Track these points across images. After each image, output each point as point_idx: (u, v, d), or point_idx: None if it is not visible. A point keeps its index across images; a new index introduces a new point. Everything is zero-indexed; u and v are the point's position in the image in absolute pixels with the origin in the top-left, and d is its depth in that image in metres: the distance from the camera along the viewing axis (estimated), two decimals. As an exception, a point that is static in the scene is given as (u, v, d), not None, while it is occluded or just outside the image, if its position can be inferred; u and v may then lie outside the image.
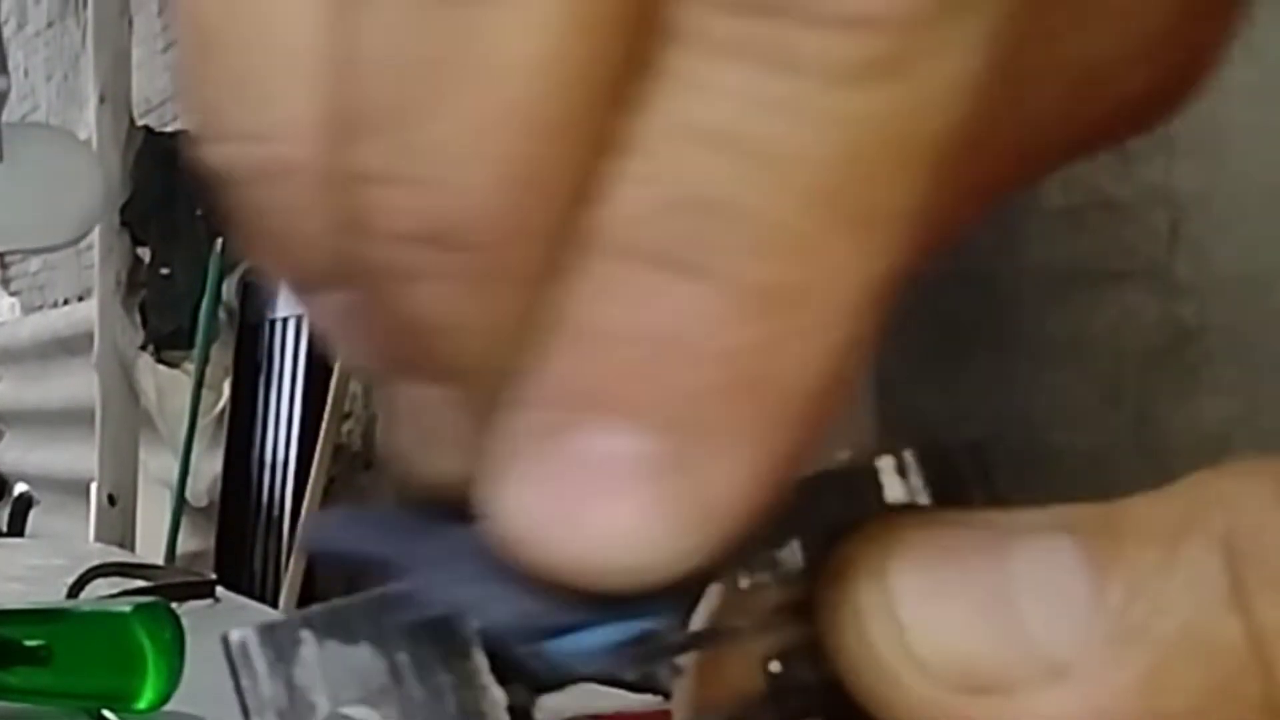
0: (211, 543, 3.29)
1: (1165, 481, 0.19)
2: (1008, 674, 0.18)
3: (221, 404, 3.29)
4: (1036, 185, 0.24)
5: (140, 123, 3.56)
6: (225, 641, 0.19)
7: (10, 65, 2.30)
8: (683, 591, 0.19)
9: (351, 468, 3.13)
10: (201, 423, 3.25)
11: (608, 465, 0.18)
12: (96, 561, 1.25)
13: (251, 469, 3.17)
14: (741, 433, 0.18)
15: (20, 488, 4.52)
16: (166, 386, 3.39)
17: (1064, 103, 0.23)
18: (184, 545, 3.30)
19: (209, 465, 3.30)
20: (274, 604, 2.69)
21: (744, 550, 0.19)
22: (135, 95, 3.53)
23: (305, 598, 2.86)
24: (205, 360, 3.21)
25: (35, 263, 5.16)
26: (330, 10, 0.18)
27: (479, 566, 0.19)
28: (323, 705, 0.19)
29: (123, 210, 3.41)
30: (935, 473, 0.22)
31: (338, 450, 2.97)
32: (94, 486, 3.34)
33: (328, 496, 2.90)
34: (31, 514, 4.37)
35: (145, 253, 3.54)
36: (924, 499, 0.21)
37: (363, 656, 0.19)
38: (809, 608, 0.20)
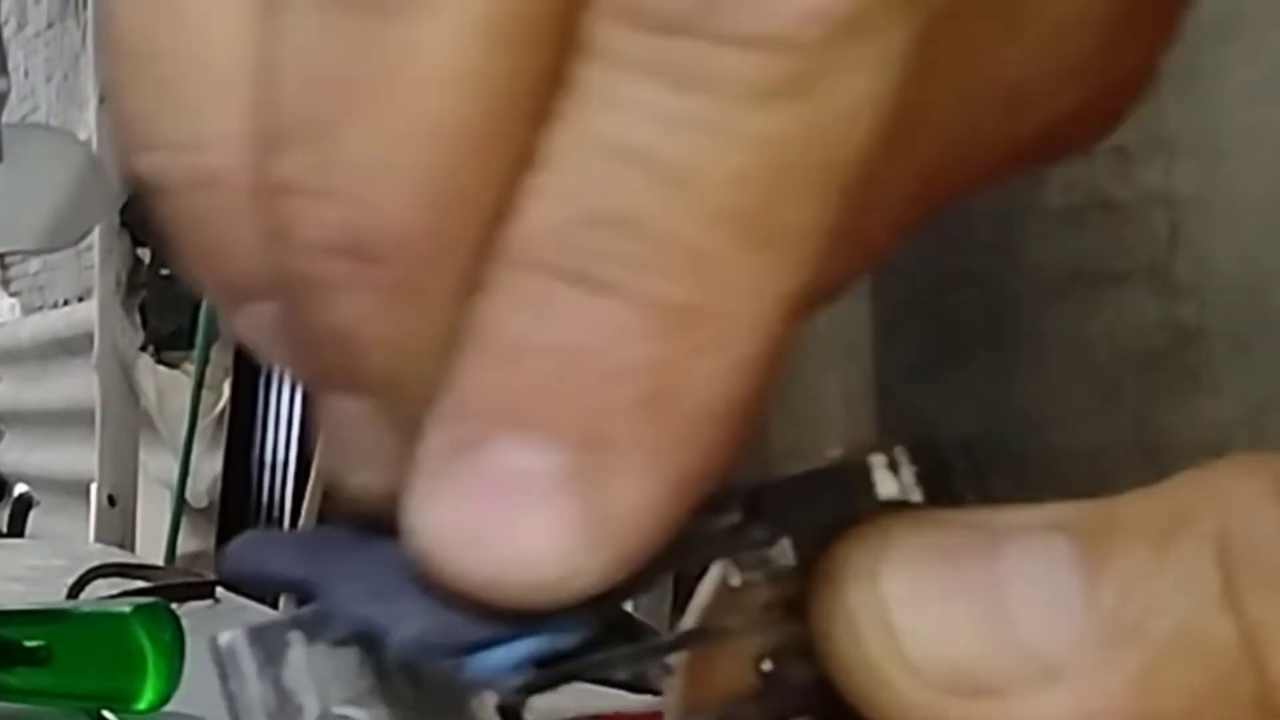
0: (211, 543, 3.28)
1: (1163, 482, 0.19)
2: (999, 676, 0.18)
3: (221, 405, 3.29)
4: (968, 200, 0.24)
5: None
6: (214, 644, 0.19)
7: (10, 66, 2.30)
8: (597, 606, 0.19)
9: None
10: (201, 423, 3.25)
11: (519, 480, 0.18)
12: (96, 562, 1.25)
13: (252, 470, 3.17)
14: (649, 448, 0.18)
15: (20, 488, 4.52)
16: (166, 387, 3.39)
17: (994, 121, 0.23)
18: (184, 546, 3.30)
19: (209, 466, 3.30)
20: (274, 605, 2.69)
21: (657, 566, 0.19)
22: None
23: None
24: (205, 361, 3.21)
25: (35, 263, 5.16)
26: (252, 22, 0.19)
27: (398, 582, 0.19)
28: (311, 706, 0.19)
29: (123, 211, 3.41)
30: (927, 469, 0.22)
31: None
32: (94, 487, 3.34)
33: (328, 498, 2.89)
34: (31, 514, 4.37)
35: (145, 253, 3.54)
36: (916, 496, 0.21)
37: (351, 657, 0.19)
38: (801, 606, 0.20)
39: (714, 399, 0.18)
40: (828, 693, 0.20)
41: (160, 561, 2.75)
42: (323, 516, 2.95)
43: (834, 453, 0.21)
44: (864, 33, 0.18)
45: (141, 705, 0.85)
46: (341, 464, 0.21)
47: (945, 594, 0.19)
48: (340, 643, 0.19)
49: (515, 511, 0.18)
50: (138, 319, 3.50)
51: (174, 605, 0.89)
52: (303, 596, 0.20)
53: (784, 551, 0.21)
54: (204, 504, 3.34)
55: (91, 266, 3.69)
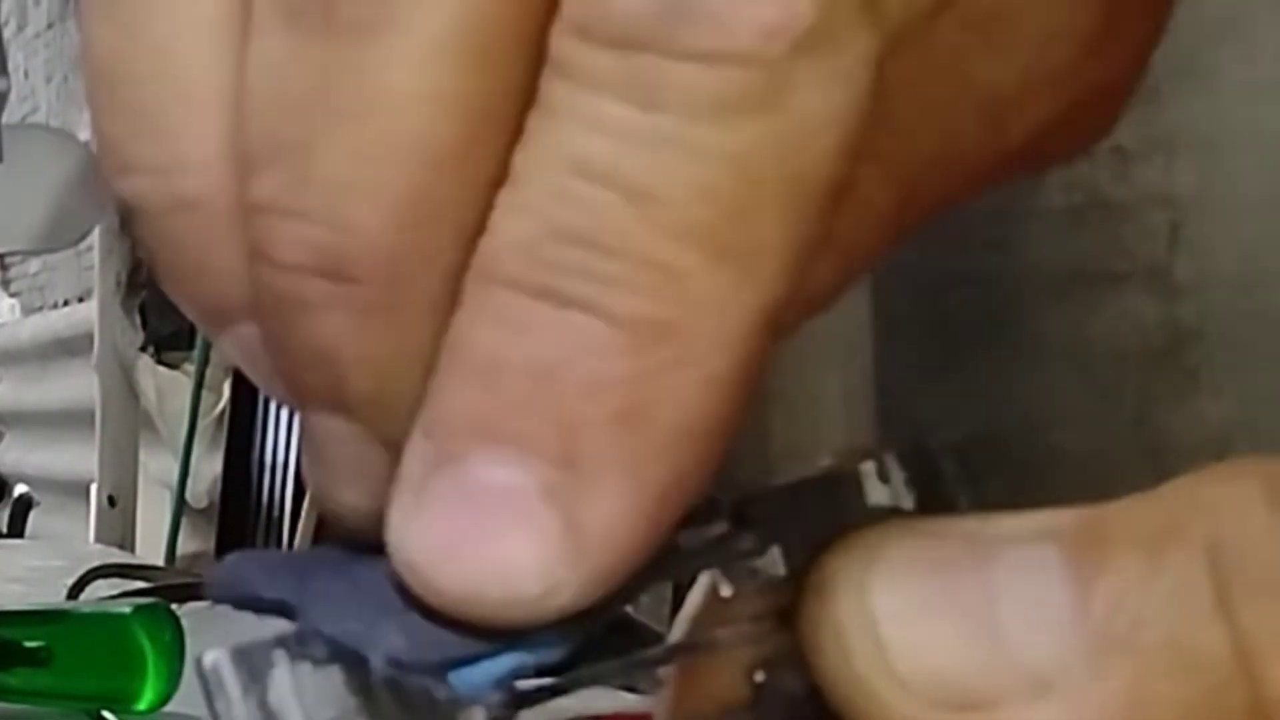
0: (212, 544, 3.28)
1: (1164, 482, 0.19)
2: (990, 689, 0.18)
3: (221, 405, 3.29)
4: (954, 209, 0.24)
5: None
6: (198, 665, 0.19)
7: (10, 67, 2.30)
8: (578, 621, 0.19)
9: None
10: (201, 424, 3.25)
11: (496, 496, 0.18)
12: (96, 563, 1.25)
13: (252, 470, 3.17)
14: (623, 464, 0.18)
15: (20, 489, 4.52)
16: (166, 387, 3.39)
17: (975, 131, 0.23)
18: (184, 546, 3.30)
19: (209, 466, 3.30)
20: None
21: (637, 582, 0.19)
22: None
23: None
24: (205, 361, 3.21)
25: (35, 264, 5.16)
26: (225, 46, 0.19)
27: (382, 600, 0.19)
28: None
29: (123, 211, 3.41)
30: (918, 476, 0.21)
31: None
32: (94, 488, 3.34)
33: (328, 497, 2.89)
34: (31, 515, 4.37)
35: (145, 254, 3.53)
36: (907, 503, 0.21)
37: (336, 676, 0.19)
38: (792, 616, 0.20)
39: (687, 414, 0.18)
40: (820, 703, 0.19)
41: (160, 562, 2.75)
42: (322, 517, 2.94)
43: (824, 461, 0.21)
44: (824, 48, 0.18)
45: (141, 706, 0.85)
46: (327, 483, 0.21)
47: (934, 606, 0.19)
48: (322, 661, 0.19)
49: (493, 527, 0.18)
50: (138, 319, 3.50)
51: (174, 606, 0.89)
52: (286, 617, 0.20)
53: (774, 561, 0.21)
54: (204, 504, 3.34)
55: (91, 267, 3.69)
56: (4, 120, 2.08)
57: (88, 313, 3.68)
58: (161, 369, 3.44)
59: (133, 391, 3.41)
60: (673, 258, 0.18)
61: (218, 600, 0.21)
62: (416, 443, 0.19)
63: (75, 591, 1.16)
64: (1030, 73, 0.23)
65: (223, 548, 3.23)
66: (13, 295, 5.36)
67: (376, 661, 0.19)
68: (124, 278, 3.47)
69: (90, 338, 3.49)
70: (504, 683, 0.19)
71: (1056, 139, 0.24)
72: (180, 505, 3.25)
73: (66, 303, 4.71)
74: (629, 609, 0.20)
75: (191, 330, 3.35)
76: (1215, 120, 0.90)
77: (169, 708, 0.85)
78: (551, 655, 0.19)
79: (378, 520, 0.19)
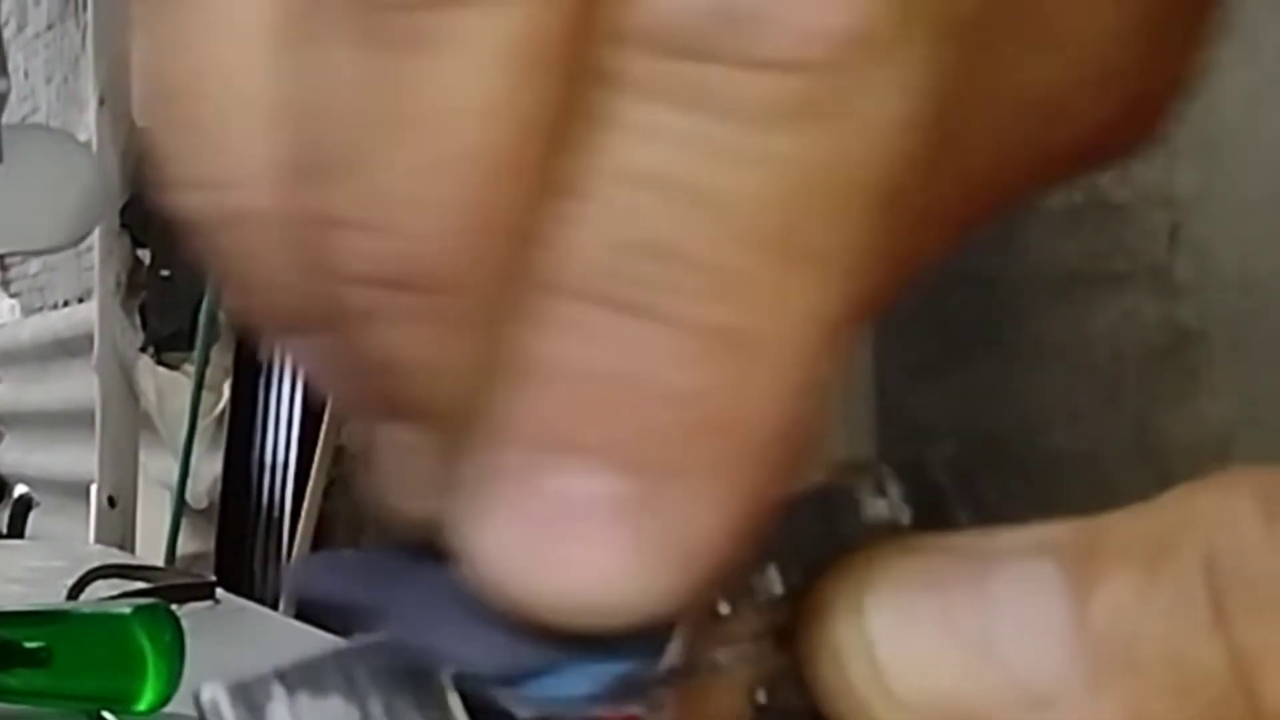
0: (211, 544, 3.28)
1: (1164, 483, 0.19)
2: (988, 708, 0.18)
3: (221, 406, 3.29)
4: (1000, 217, 0.24)
5: (140, 125, 3.55)
6: (196, 699, 0.19)
7: (10, 67, 2.30)
8: (661, 631, 0.19)
9: (351, 470, 3.13)
10: (201, 424, 3.25)
11: (579, 506, 0.18)
12: (96, 563, 1.25)
13: (251, 471, 3.17)
14: (707, 472, 0.18)
15: (20, 489, 4.52)
16: (166, 388, 3.39)
17: (1027, 134, 0.23)
18: (184, 547, 3.30)
19: (209, 467, 3.30)
20: (274, 606, 2.68)
21: (721, 588, 0.19)
22: (135, 97, 3.52)
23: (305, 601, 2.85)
24: (205, 362, 3.21)
25: (35, 264, 5.16)
26: (282, 59, 0.19)
27: (455, 609, 0.19)
28: None
29: (123, 212, 3.41)
30: (915, 490, 0.21)
31: (338, 452, 2.97)
32: (94, 488, 3.34)
33: (328, 498, 2.89)
34: (31, 516, 4.37)
35: (145, 255, 3.54)
36: (905, 518, 0.21)
37: (335, 708, 0.19)
38: (791, 634, 0.20)
39: (766, 420, 0.18)
40: None
41: (160, 563, 2.75)
42: (323, 518, 2.95)
43: (818, 476, 0.21)
44: (886, 51, 0.18)
45: (141, 706, 0.85)
46: (390, 491, 0.21)
47: (930, 625, 0.19)
48: (395, 675, 0.19)
49: (576, 536, 0.18)
50: (138, 320, 3.50)
51: (174, 606, 0.89)
52: (366, 622, 0.20)
53: (772, 580, 0.20)
54: (204, 505, 3.34)
55: (91, 267, 3.69)
56: (4, 121, 2.08)
57: (88, 313, 3.68)
58: (161, 369, 3.44)
59: (133, 392, 3.41)
60: (744, 265, 0.18)
61: (300, 601, 0.21)
62: (491, 452, 0.19)
63: (75, 592, 1.16)
64: (1083, 74, 0.23)
65: (223, 548, 3.23)
66: (13, 296, 5.37)
67: (459, 671, 0.19)
68: (124, 278, 3.47)
69: (90, 338, 3.49)
70: (584, 693, 0.19)
71: (1110, 138, 0.24)
72: (180, 506, 3.25)
73: (66, 303, 4.72)
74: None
75: (191, 331, 3.35)
76: (1215, 122, 0.91)
77: (169, 708, 0.85)
78: (633, 664, 0.19)
79: (442, 528, 0.19)
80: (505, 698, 0.19)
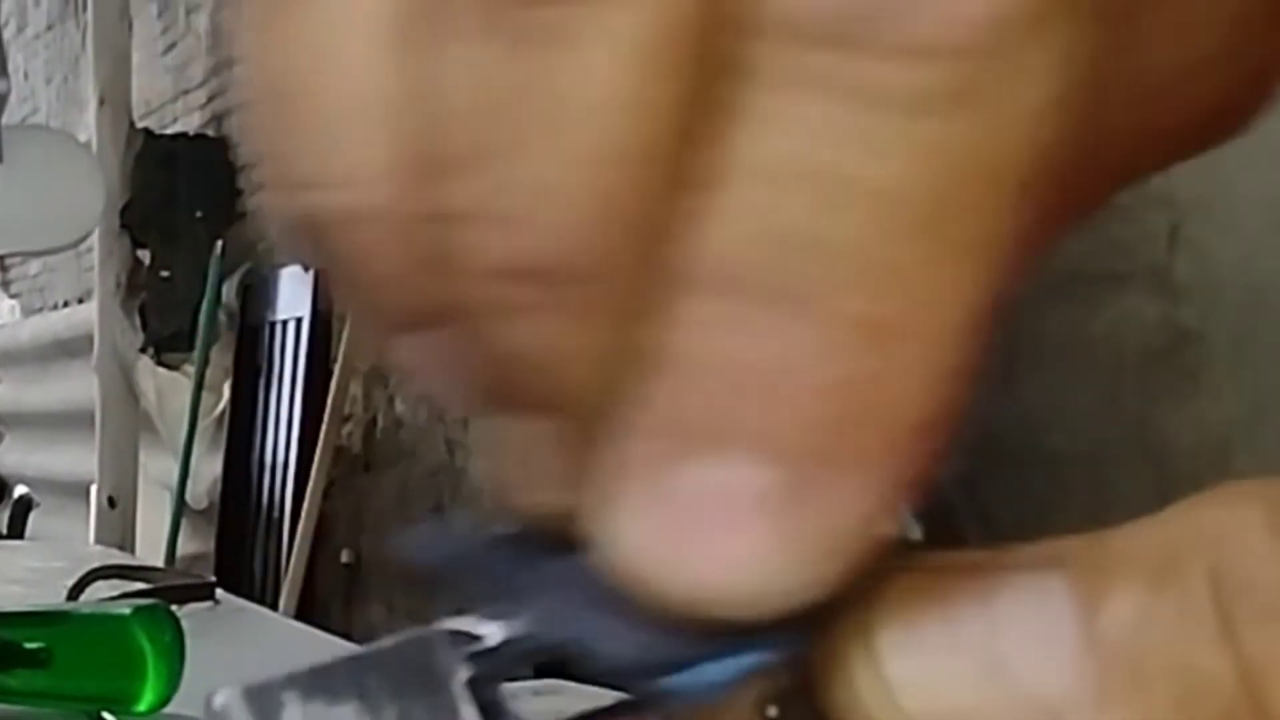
0: (211, 545, 3.29)
1: (1165, 483, 0.19)
2: None
3: (221, 406, 3.29)
4: (1113, 200, 0.24)
5: (140, 125, 3.56)
6: (208, 704, 0.19)
7: (10, 68, 2.30)
8: (801, 622, 0.19)
9: (351, 470, 3.13)
10: (201, 425, 3.25)
11: (721, 497, 0.18)
12: (96, 564, 1.25)
13: (251, 471, 3.17)
14: (853, 462, 0.18)
15: (20, 490, 4.53)
16: (166, 389, 3.40)
17: (1135, 116, 0.23)
18: (184, 547, 3.30)
19: (209, 467, 3.30)
20: (274, 606, 2.69)
21: (865, 578, 0.19)
22: (135, 98, 3.53)
23: (305, 600, 2.86)
24: (205, 362, 3.21)
25: (35, 265, 5.16)
26: (404, 55, 0.19)
27: (587, 600, 0.19)
28: None
29: (122, 213, 3.41)
30: (925, 505, 0.21)
31: (337, 452, 2.97)
32: (94, 489, 3.34)
33: (327, 499, 2.90)
34: (31, 516, 4.37)
35: (145, 255, 3.54)
36: (916, 534, 0.21)
37: (347, 714, 0.19)
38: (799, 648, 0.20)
39: (915, 410, 0.18)
40: None
41: (160, 563, 2.75)
42: (322, 518, 2.95)
43: None
44: (1031, 36, 0.18)
45: (141, 707, 0.85)
46: (517, 483, 0.21)
47: (939, 641, 0.19)
48: (414, 679, 0.19)
49: (723, 527, 0.18)
50: (137, 321, 3.51)
51: (174, 607, 0.89)
52: (492, 599, 0.20)
53: None
54: (204, 505, 3.34)
55: (91, 268, 3.69)
56: (4, 121, 2.08)
57: (88, 314, 3.68)
58: (161, 370, 3.45)
59: (132, 393, 3.41)
60: (890, 255, 0.18)
61: (417, 564, 0.21)
62: (631, 444, 0.19)
63: (75, 592, 1.16)
64: (1203, 52, 0.23)
65: (222, 549, 3.24)
66: (13, 296, 5.37)
67: (605, 663, 0.19)
68: (124, 279, 3.48)
69: (90, 339, 3.49)
70: (729, 685, 0.19)
71: (1224, 116, 0.24)
72: (180, 506, 3.26)
73: (66, 304, 4.72)
74: None
75: (191, 331, 3.35)
76: (1215, 121, 0.90)
77: (169, 709, 0.85)
78: (776, 654, 0.19)
79: (565, 520, 0.19)
80: (641, 690, 0.19)
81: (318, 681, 0.19)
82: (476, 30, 0.18)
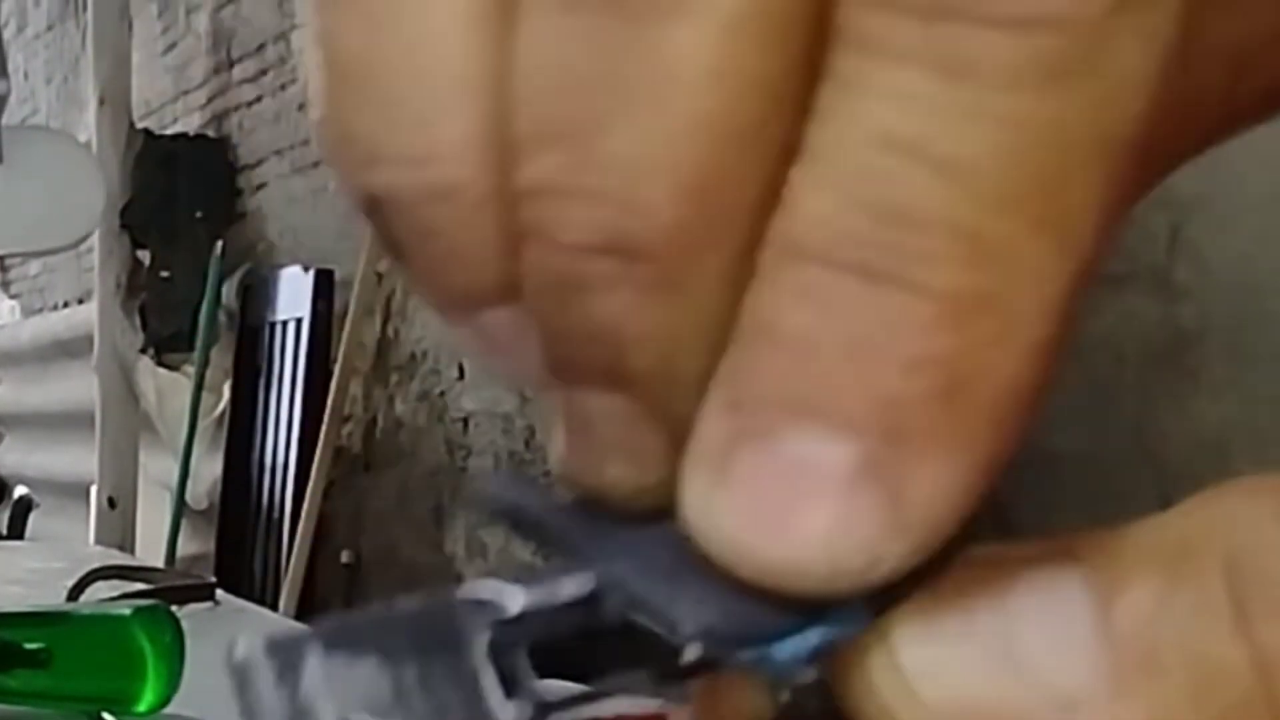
0: (211, 545, 3.29)
1: (1165, 483, 0.19)
2: (1013, 713, 0.18)
3: (221, 407, 3.29)
4: (1188, 162, 0.24)
5: (140, 125, 3.56)
6: (230, 656, 0.19)
7: (10, 68, 2.30)
8: (885, 595, 0.19)
9: (351, 470, 3.13)
10: (201, 425, 3.25)
11: (814, 469, 0.18)
12: (96, 564, 1.25)
13: (251, 472, 3.17)
14: (944, 438, 0.18)
15: (20, 490, 4.53)
16: (166, 389, 3.40)
17: (1219, 83, 0.23)
18: (184, 548, 3.30)
19: (209, 468, 3.30)
20: (274, 607, 2.69)
21: (947, 552, 0.19)
22: (135, 98, 3.53)
23: (305, 601, 2.86)
24: (205, 363, 3.21)
25: (35, 265, 5.16)
26: (492, 30, 0.19)
27: (672, 567, 0.19)
28: (328, 718, 0.19)
29: (122, 213, 3.41)
30: None
31: (337, 453, 2.97)
32: (94, 489, 3.34)
33: (327, 499, 2.90)
34: (31, 517, 4.37)
35: (145, 256, 3.54)
36: None
37: (368, 670, 0.19)
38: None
39: (1008, 385, 0.18)
40: None
41: (160, 564, 2.75)
42: (322, 519, 2.95)
43: None
44: (1134, 6, 0.18)
45: (141, 707, 0.85)
46: (595, 458, 0.21)
47: (955, 632, 0.19)
48: (436, 640, 0.19)
49: (814, 501, 0.18)
50: (137, 321, 3.51)
51: (174, 607, 0.89)
52: (569, 558, 0.20)
53: None
54: (204, 506, 3.34)
55: (91, 269, 3.69)
56: (4, 122, 2.08)
57: (88, 314, 3.68)
58: (161, 371, 3.45)
59: (132, 393, 3.41)
60: (988, 228, 0.18)
61: (495, 512, 0.21)
62: (719, 418, 0.19)
63: (75, 593, 1.16)
64: (1267, 26, 0.23)
65: (222, 549, 3.24)
66: (13, 297, 5.37)
67: (688, 631, 0.19)
68: (124, 279, 3.48)
69: (90, 339, 3.49)
70: (813, 657, 0.19)
71: None
72: (180, 507, 3.26)
73: (66, 304, 4.72)
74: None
75: (191, 332, 3.35)
76: (1215, 122, 0.90)
77: (169, 709, 0.85)
78: (851, 630, 0.19)
79: (644, 495, 0.20)
80: (746, 659, 0.19)
81: (340, 636, 0.19)
82: (564, 3, 0.18)
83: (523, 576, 0.20)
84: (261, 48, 3.49)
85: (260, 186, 3.53)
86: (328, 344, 2.95)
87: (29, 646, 0.86)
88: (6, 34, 4.86)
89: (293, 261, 3.18)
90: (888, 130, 0.18)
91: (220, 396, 3.29)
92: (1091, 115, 0.18)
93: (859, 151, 0.18)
